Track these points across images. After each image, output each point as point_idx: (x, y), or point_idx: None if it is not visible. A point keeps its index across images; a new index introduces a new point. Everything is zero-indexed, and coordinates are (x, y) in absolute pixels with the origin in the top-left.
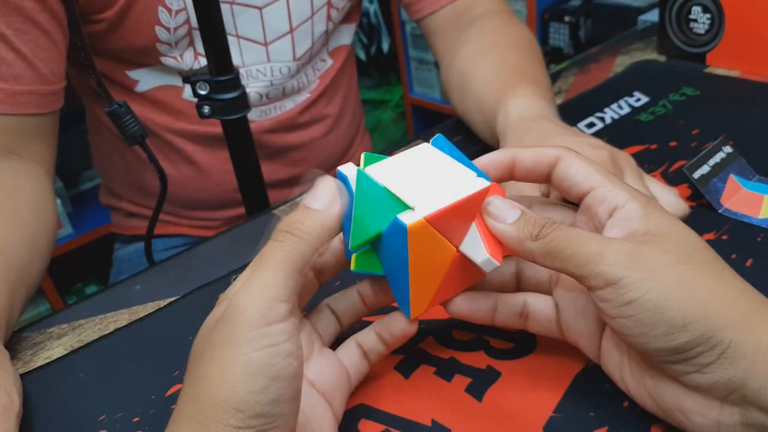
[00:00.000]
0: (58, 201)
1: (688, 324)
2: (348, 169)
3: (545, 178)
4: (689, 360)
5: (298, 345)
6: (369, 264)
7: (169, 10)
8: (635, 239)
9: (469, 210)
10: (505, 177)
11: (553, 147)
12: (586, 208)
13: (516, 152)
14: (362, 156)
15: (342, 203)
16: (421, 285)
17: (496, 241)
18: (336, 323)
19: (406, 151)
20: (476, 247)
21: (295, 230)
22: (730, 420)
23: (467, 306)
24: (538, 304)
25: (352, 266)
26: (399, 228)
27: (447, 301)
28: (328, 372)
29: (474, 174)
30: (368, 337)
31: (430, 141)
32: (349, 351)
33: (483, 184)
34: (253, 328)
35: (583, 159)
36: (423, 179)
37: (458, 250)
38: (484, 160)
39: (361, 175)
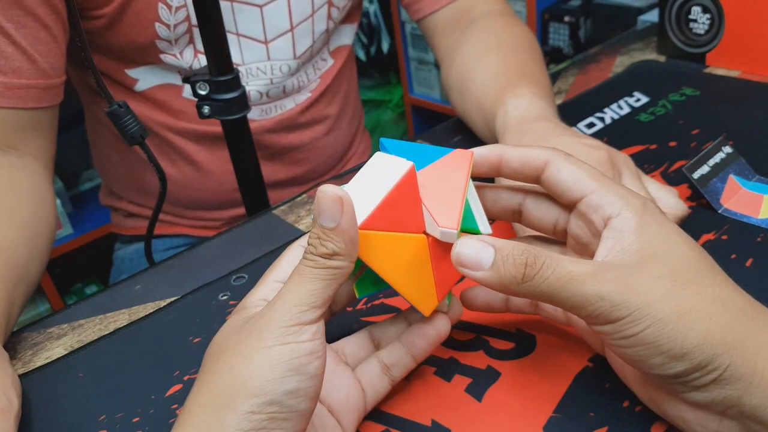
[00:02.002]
0: (58, 201)
1: (686, 354)
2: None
3: (534, 180)
4: (686, 383)
5: (322, 347)
6: (371, 285)
7: (169, 7)
8: (629, 257)
9: (407, 195)
10: (491, 173)
11: (542, 149)
12: (581, 214)
13: (503, 151)
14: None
15: (349, 206)
16: (416, 283)
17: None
18: (371, 348)
19: (362, 168)
20: (431, 224)
21: (322, 253)
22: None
23: (483, 298)
24: None
25: (356, 293)
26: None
27: (464, 296)
28: (338, 388)
29: (399, 160)
30: (393, 352)
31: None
32: (369, 369)
33: (405, 166)
34: (282, 326)
35: (574, 162)
36: (364, 190)
37: (426, 234)
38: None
39: None
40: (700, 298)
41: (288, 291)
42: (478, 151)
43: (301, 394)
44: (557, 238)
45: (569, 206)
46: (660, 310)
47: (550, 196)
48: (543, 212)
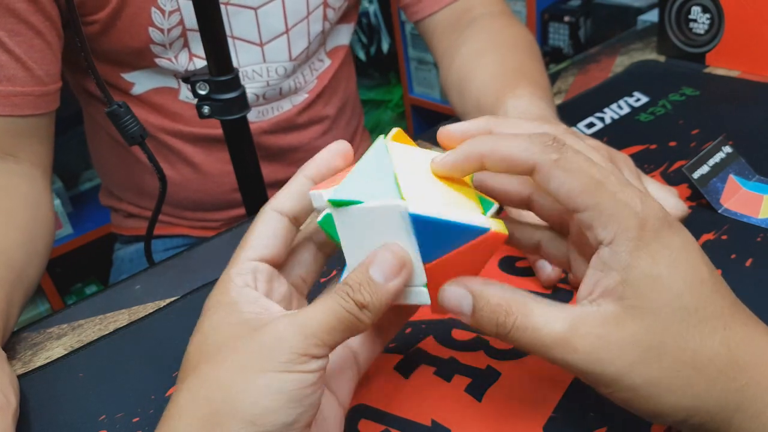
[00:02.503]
0: (59, 201)
1: (659, 415)
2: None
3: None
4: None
5: (323, 378)
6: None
7: (162, 11)
8: (609, 306)
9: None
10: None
11: (529, 148)
12: (575, 227)
13: (483, 153)
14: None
15: (407, 273)
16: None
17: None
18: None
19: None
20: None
21: (357, 300)
22: None
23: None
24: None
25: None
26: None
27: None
28: (330, 363)
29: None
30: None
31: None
32: None
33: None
34: (293, 353)
35: (565, 170)
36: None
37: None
38: (446, 162)
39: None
40: (676, 366)
41: (308, 317)
42: (453, 158)
43: (298, 425)
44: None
45: (564, 214)
46: (630, 379)
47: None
48: (554, 249)
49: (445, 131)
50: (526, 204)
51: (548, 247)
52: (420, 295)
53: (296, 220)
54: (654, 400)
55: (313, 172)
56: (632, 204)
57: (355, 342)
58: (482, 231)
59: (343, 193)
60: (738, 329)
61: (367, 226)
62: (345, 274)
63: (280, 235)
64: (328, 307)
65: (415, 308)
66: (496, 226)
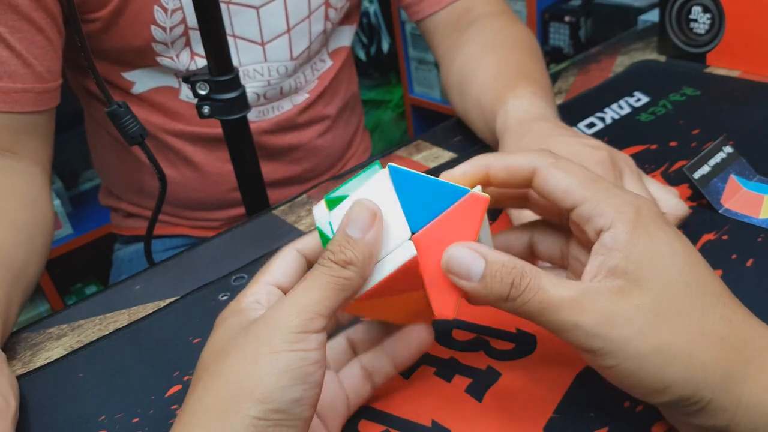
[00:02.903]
0: (58, 201)
1: (666, 388)
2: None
3: (526, 186)
4: (672, 408)
5: (324, 356)
6: None
7: (165, 10)
8: (614, 281)
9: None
10: (482, 184)
11: (528, 155)
12: (574, 224)
13: (488, 165)
14: (323, 201)
15: (380, 222)
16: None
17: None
18: (350, 352)
19: (366, 183)
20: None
21: (339, 260)
22: None
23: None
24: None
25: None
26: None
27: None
28: (325, 392)
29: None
30: (375, 359)
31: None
32: (352, 373)
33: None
34: (290, 332)
35: (563, 168)
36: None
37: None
38: (455, 174)
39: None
40: (682, 333)
41: (297, 295)
42: (461, 170)
43: (305, 402)
44: (565, 266)
45: (564, 214)
46: (636, 347)
47: (553, 225)
48: (549, 245)
49: (447, 173)
50: (533, 252)
51: (541, 244)
52: (406, 249)
53: (310, 261)
54: (661, 369)
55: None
56: (626, 195)
57: (347, 383)
58: (463, 191)
59: (337, 192)
60: (736, 308)
61: None
62: None
63: (295, 268)
64: (313, 279)
65: (405, 354)
66: (477, 191)
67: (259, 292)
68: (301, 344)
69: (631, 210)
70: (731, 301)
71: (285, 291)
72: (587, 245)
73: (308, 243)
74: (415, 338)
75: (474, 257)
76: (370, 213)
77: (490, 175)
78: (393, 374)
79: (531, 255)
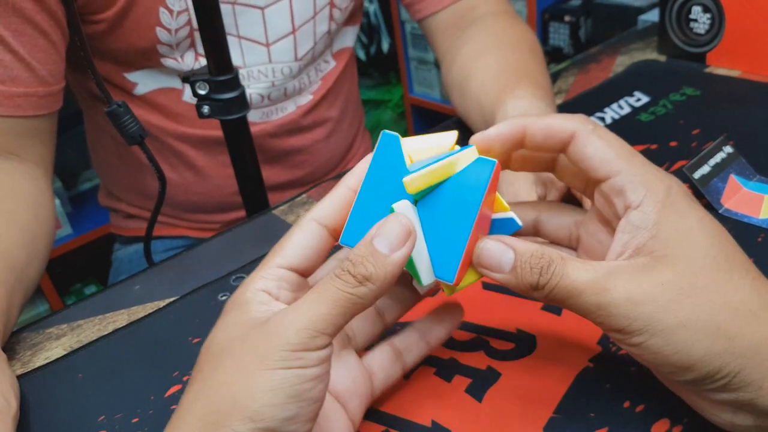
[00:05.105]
0: (58, 201)
1: (693, 364)
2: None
3: (558, 152)
4: (697, 386)
5: (327, 371)
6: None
7: (171, 11)
8: (640, 258)
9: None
10: (512, 149)
11: (568, 119)
12: (604, 194)
13: (526, 124)
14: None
15: (412, 242)
16: (472, 240)
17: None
18: (378, 321)
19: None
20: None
21: (358, 274)
22: (744, 423)
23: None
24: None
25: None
26: (482, 166)
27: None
28: (344, 375)
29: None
30: (407, 337)
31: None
32: (382, 354)
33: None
34: (289, 349)
35: (602, 137)
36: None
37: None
38: (491, 134)
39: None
40: (708, 307)
41: (302, 308)
42: (496, 131)
43: (301, 419)
44: (572, 247)
45: (594, 182)
46: (661, 321)
47: (561, 206)
48: (556, 226)
49: (480, 134)
50: (536, 231)
51: (548, 224)
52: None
53: (335, 231)
54: (688, 344)
55: (355, 183)
56: (659, 173)
57: (376, 362)
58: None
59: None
60: (765, 282)
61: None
62: None
63: (315, 246)
64: (323, 292)
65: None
66: (472, 150)
67: (270, 277)
68: (299, 362)
69: (661, 188)
70: (759, 275)
71: (303, 274)
72: (607, 222)
73: (329, 211)
74: (449, 313)
75: (503, 248)
76: (405, 230)
77: (527, 134)
78: (426, 352)
79: (534, 234)
